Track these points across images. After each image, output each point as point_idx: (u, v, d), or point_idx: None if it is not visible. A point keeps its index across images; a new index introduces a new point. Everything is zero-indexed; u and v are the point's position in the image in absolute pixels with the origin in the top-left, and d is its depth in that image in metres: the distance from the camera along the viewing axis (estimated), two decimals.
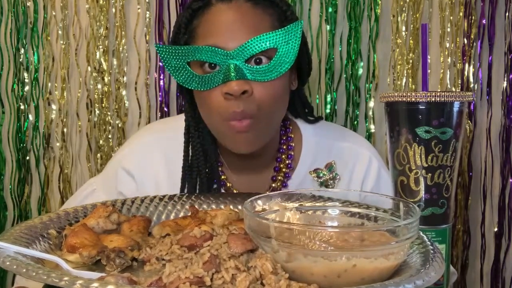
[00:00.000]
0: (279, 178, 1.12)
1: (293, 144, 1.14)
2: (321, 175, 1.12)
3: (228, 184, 1.12)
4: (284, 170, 1.12)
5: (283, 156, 1.13)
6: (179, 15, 1.07)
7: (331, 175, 1.12)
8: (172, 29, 1.65)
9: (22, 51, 1.71)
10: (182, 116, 1.15)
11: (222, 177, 1.12)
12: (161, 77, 1.67)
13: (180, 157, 1.11)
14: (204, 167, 1.08)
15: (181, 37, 1.04)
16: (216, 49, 0.95)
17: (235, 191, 1.11)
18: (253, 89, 0.96)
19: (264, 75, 0.96)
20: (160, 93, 1.68)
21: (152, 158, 1.14)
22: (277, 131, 1.12)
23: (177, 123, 1.14)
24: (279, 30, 0.96)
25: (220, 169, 1.12)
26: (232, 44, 0.95)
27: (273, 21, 1.01)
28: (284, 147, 1.13)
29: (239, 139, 0.99)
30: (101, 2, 1.65)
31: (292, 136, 1.15)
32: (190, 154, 1.10)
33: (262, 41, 0.95)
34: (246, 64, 0.96)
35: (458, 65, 1.60)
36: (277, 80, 0.98)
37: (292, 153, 1.14)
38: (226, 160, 1.13)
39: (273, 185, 1.12)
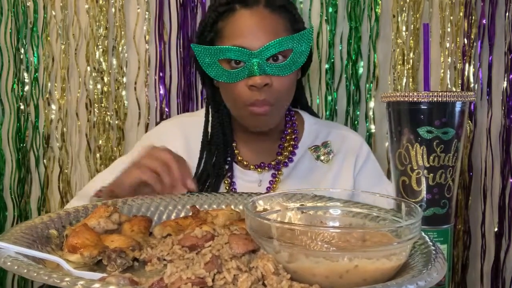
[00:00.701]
0: (285, 153, 1.30)
1: (298, 130, 1.33)
2: (317, 150, 1.32)
3: (239, 158, 1.30)
4: (289, 148, 1.31)
5: (288, 137, 1.32)
6: (205, 15, 1.27)
7: (326, 150, 1.32)
8: (171, 29, 1.66)
9: (22, 51, 1.71)
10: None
11: (235, 151, 1.30)
12: (161, 77, 1.67)
13: (198, 140, 1.29)
14: (221, 141, 1.27)
15: (207, 34, 1.21)
16: (242, 49, 1.13)
17: (245, 163, 1.30)
18: (273, 82, 1.15)
19: (282, 71, 1.15)
20: (159, 93, 1.67)
21: (173, 138, 1.30)
22: (282, 118, 1.31)
23: (201, 113, 1.33)
24: (296, 34, 1.15)
25: (234, 144, 1.30)
26: (255, 45, 1.14)
27: (287, 24, 1.20)
28: (289, 130, 1.32)
29: (258, 120, 1.19)
30: (100, 2, 1.65)
31: (296, 122, 1.34)
32: (210, 131, 1.30)
33: (281, 43, 1.14)
34: (267, 62, 1.14)
35: (458, 65, 1.60)
36: (291, 74, 1.18)
37: (297, 136, 1.33)
38: (239, 137, 1.31)
39: (279, 158, 1.30)
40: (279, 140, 1.32)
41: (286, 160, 1.29)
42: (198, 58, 1.18)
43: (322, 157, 1.31)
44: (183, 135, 1.32)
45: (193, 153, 1.28)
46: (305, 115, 1.37)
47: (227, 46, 1.15)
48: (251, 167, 1.29)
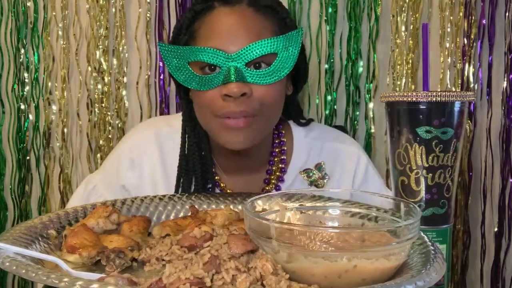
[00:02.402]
0: (272, 181, 1.16)
1: (286, 148, 1.17)
2: (310, 174, 1.16)
3: (222, 185, 1.15)
4: (277, 173, 1.16)
5: (276, 159, 1.16)
6: (180, 16, 1.12)
7: (320, 175, 1.16)
8: (172, 29, 1.66)
9: (22, 51, 1.71)
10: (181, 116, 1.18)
11: (216, 177, 1.15)
12: (161, 77, 1.67)
13: (175, 156, 1.13)
14: (199, 167, 1.11)
15: (182, 37, 1.06)
16: (218, 51, 0.97)
17: (229, 191, 1.14)
18: (253, 91, 1.00)
19: (263, 79, 0.99)
20: (160, 93, 1.68)
21: (151, 152, 1.16)
22: (270, 134, 1.15)
23: (177, 121, 1.17)
24: (280, 36, 1.00)
25: (214, 170, 1.14)
26: (233, 47, 0.98)
27: (274, 26, 1.04)
28: (277, 150, 1.17)
29: (233, 135, 1.02)
30: (101, 2, 1.65)
31: (285, 140, 1.18)
32: (186, 153, 1.12)
33: (263, 46, 0.98)
34: (246, 68, 0.98)
35: (458, 65, 1.60)
36: (276, 84, 1.01)
37: (285, 158, 1.17)
38: (219, 161, 1.16)
39: (267, 187, 1.16)
40: (267, 164, 1.15)
41: (275, 190, 1.14)
42: (165, 60, 1.02)
43: (316, 183, 1.16)
44: (159, 149, 1.16)
45: (170, 172, 1.14)
46: (295, 128, 1.20)
47: (199, 47, 0.99)
48: None
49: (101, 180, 1.18)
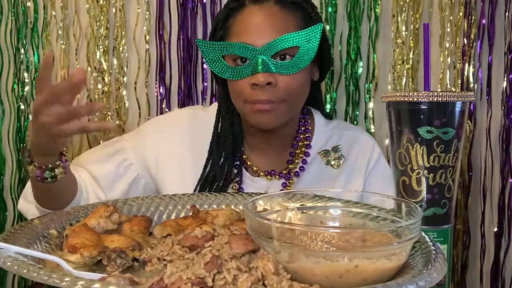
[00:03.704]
0: (296, 161, 1.26)
1: (310, 135, 1.28)
2: (327, 154, 1.27)
3: (249, 163, 1.26)
4: (301, 156, 1.26)
5: (300, 143, 1.27)
6: (218, 12, 1.26)
7: (336, 155, 1.27)
8: (172, 29, 1.66)
9: (22, 51, 1.71)
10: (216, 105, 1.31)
11: (244, 155, 1.26)
12: (161, 76, 1.67)
13: (205, 136, 1.25)
14: (231, 144, 1.24)
15: (218, 32, 1.19)
16: (247, 45, 1.11)
17: (254, 168, 1.25)
18: (278, 81, 1.11)
19: (287, 69, 1.11)
20: (160, 93, 1.68)
21: (183, 130, 1.28)
22: (296, 116, 1.27)
23: (212, 108, 1.30)
24: (302, 31, 1.12)
25: (242, 149, 1.26)
26: (260, 41, 1.11)
27: (298, 21, 1.15)
28: (302, 136, 1.28)
29: (261, 116, 1.14)
30: (101, 2, 1.65)
31: (310, 128, 1.29)
32: (219, 132, 1.25)
33: (286, 40, 1.10)
34: (272, 59, 1.11)
35: (458, 65, 1.60)
36: (299, 73, 1.13)
37: (308, 142, 1.27)
38: (248, 141, 1.28)
39: (290, 166, 1.25)
40: (291, 147, 1.27)
41: (298, 170, 1.24)
42: (203, 54, 1.16)
43: (332, 162, 1.26)
44: (192, 131, 1.28)
45: (198, 152, 1.25)
46: (317, 116, 1.32)
47: (231, 42, 1.14)
48: (261, 173, 1.24)
49: (130, 141, 1.27)
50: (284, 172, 1.24)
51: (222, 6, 1.27)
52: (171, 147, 1.26)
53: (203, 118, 1.29)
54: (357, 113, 1.64)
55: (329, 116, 1.36)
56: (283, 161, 1.26)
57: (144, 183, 1.26)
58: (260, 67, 1.09)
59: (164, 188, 1.23)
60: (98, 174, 1.22)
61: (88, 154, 1.30)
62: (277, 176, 1.24)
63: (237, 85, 1.15)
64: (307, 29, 1.12)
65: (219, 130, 1.26)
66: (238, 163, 1.24)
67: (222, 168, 1.21)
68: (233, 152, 1.23)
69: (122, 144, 1.28)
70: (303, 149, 1.26)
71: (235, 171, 1.23)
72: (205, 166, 1.23)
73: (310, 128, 1.29)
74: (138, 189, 1.25)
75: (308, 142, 1.27)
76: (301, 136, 1.28)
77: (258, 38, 1.11)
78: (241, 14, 1.15)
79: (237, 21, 1.16)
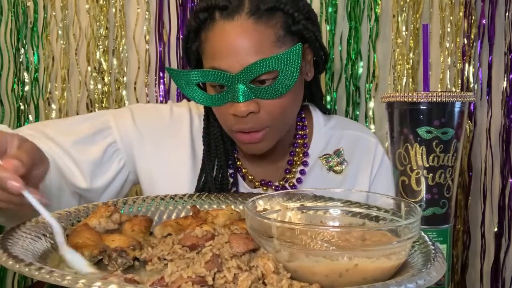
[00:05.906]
0: (293, 170, 1.18)
1: (307, 141, 1.20)
2: (329, 159, 1.18)
3: (244, 170, 1.17)
4: (298, 163, 1.18)
5: (298, 150, 1.19)
6: (189, 18, 1.10)
7: (338, 160, 1.18)
8: (171, 29, 1.66)
9: (22, 51, 1.71)
10: None
11: (238, 163, 1.18)
12: (161, 76, 1.68)
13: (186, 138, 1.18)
14: (223, 152, 1.14)
15: (191, 43, 1.08)
16: (221, 72, 0.98)
17: (250, 177, 1.17)
18: (261, 106, 1.01)
19: (267, 95, 1.00)
20: (159, 93, 1.68)
21: (184, 120, 1.20)
22: (291, 127, 1.17)
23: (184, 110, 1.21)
24: (279, 54, 0.97)
25: (236, 156, 1.18)
26: (235, 67, 0.98)
27: (277, 31, 1.00)
28: (300, 141, 1.19)
29: (249, 148, 1.08)
30: (101, 2, 1.65)
31: (307, 131, 1.20)
32: (210, 138, 1.16)
33: (262, 65, 0.97)
34: (251, 85, 0.99)
35: (458, 65, 1.60)
36: (283, 96, 1.01)
37: (307, 142, 1.19)
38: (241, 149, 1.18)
39: (287, 176, 1.17)
40: (289, 155, 1.18)
41: (295, 182, 1.16)
42: (176, 83, 1.05)
43: (335, 168, 1.17)
44: (188, 134, 1.19)
45: (198, 152, 1.17)
46: (315, 114, 1.22)
47: (204, 70, 1.01)
48: (256, 184, 1.16)
49: (114, 118, 1.16)
50: (281, 183, 1.16)
51: None
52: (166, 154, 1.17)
53: (198, 116, 1.21)
54: (358, 113, 1.64)
55: (328, 111, 1.27)
56: (280, 170, 1.18)
57: (128, 173, 1.17)
58: (240, 97, 0.98)
59: (152, 187, 1.16)
60: (81, 157, 1.09)
61: (64, 126, 1.13)
62: (274, 188, 1.16)
63: (219, 112, 1.06)
64: (284, 52, 0.97)
65: (209, 138, 1.16)
66: (232, 171, 1.15)
67: (216, 180, 1.12)
68: (226, 161, 1.14)
69: (107, 119, 1.16)
70: (301, 156, 1.18)
71: (231, 180, 1.14)
72: (199, 179, 1.13)
73: (307, 132, 1.20)
74: (122, 180, 1.16)
75: (306, 149, 1.18)
76: (299, 142, 1.19)
77: (233, 62, 0.98)
78: (213, 31, 1.01)
79: (209, 39, 1.02)
